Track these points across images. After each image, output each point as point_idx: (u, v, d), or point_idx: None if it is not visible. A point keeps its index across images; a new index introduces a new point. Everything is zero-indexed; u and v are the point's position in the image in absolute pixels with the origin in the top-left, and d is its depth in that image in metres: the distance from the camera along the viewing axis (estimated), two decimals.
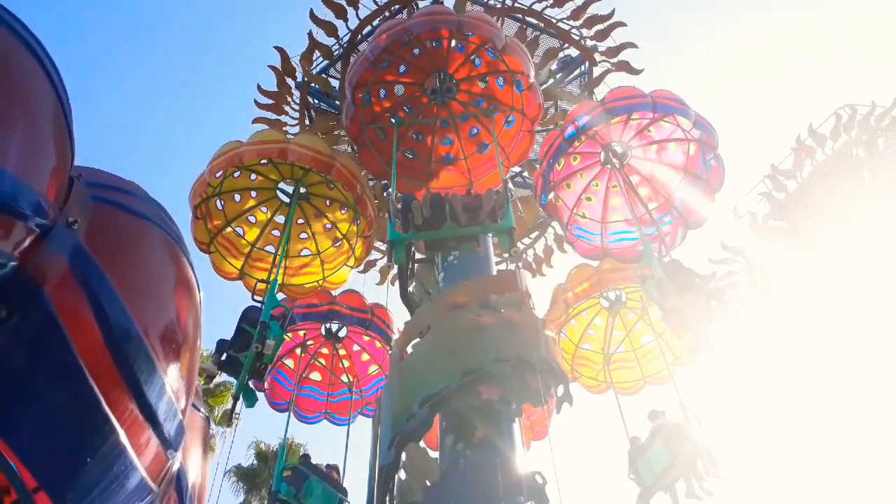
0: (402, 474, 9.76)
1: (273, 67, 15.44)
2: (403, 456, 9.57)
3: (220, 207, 12.82)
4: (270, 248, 13.39)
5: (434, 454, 9.96)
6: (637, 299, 14.77)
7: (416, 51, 12.61)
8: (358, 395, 15.35)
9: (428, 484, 9.40)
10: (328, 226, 13.79)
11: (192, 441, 3.38)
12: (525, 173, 17.72)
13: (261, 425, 79.12)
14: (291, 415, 14.07)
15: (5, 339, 2.27)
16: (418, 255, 13.11)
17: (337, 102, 15.51)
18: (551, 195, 13.05)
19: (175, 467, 3.17)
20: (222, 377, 30.42)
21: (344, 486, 12.49)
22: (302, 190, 13.12)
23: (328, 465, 12.76)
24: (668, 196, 13.21)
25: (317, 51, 15.28)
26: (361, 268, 16.13)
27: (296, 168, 12.38)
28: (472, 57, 12.74)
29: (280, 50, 15.25)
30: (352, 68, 12.64)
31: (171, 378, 2.88)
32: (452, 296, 10.53)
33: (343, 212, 13.54)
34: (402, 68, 12.96)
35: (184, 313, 3.06)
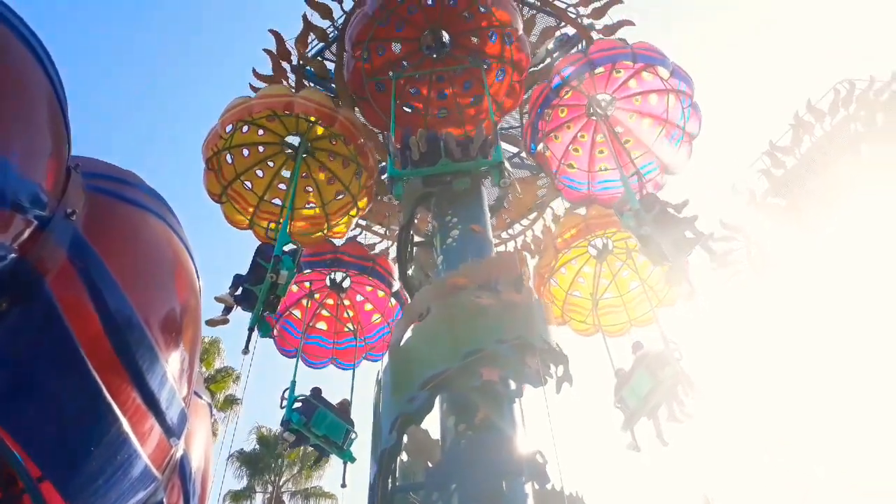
0: (404, 456, 9.82)
1: (268, 51, 15.33)
2: (405, 438, 9.62)
3: (230, 161, 13.59)
4: (277, 202, 14.23)
5: (436, 436, 10.02)
6: (623, 247, 15.36)
7: (412, 9, 13.25)
8: (362, 342, 16.10)
9: (430, 465, 9.47)
10: (331, 179, 14.49)
11: (195, 428, 3.39)
12: (522, 154, 17.66)
13: (263, 411, 79.54)
14: (300, 361, 14.68)
15: (7, 330, 2.27)
16: (417, 238, 13.19)
17: (333, 85, 15.45)
18: (541, 146, 13.88)
19: (178, 454, 3.18)
20: (225, 361, 30.46)
21: (351, 418, 12.97)
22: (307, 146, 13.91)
23: (341, 401, 13.16)
24: (650, 145, 13.95)
25: (312, 33, 15.18)
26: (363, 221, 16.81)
27: (301, 121, 13.16)
28: (464, 13, 13.43)
29: (275, 33, 15.16)
30: (351, 24, 13.30)
31: (173, 366, 2.88)
32: (452, 278, 10.53)
33: (345, 167, 14.26)
34: (398, 27, 13.64)
35: (184, 301, 3.06)
